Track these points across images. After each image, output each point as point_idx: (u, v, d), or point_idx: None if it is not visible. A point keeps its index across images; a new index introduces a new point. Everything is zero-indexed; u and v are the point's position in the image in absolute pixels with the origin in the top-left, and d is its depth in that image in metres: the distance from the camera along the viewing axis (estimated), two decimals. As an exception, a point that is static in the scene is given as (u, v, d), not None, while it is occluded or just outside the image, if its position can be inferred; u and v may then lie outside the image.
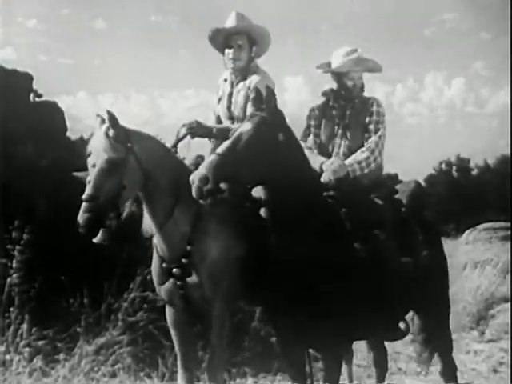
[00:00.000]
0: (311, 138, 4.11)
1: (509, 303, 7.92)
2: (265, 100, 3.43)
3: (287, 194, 3.40)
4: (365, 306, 3.52)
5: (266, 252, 3.53)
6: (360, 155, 3.90)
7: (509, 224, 11.84)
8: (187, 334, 3.95)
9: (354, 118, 4.02)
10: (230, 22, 4.15)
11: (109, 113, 3.58)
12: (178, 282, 3.75)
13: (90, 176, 3.57)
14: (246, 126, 3.37)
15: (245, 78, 4.16)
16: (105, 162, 3.54)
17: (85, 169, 3.76)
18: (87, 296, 5.31)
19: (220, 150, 3.29)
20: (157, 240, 3.81)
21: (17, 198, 6.18)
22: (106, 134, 3.59)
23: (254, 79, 4.11)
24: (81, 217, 3.51)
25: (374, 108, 4.01)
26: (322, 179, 3.78)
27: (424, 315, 4.22)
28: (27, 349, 4.86)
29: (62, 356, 4.92)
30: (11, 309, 5.19)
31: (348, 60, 3.99)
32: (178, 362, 3.94)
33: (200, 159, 3.97)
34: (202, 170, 3.22)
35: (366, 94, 4.10)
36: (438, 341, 4.25)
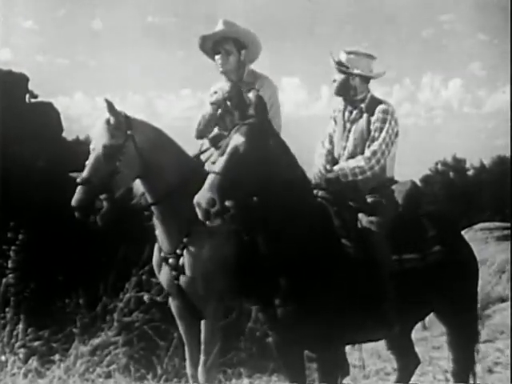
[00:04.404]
0: (327, 141, 4.11)
1: (504, 303, 7.94)
2: (254, 107, 3.40)
3: (278, 194, 3.38)
4: (353, 304, 3.50)
5: (257, 250, 3.52)
6: (354, 162, 3.87)
7: (504, 224, 11.87)
8: (191, 323, 4.02)
9: (359, 122, 3.96)
10: (216, 29, 4.24)
11: (107, 101, 3.76)
12: (173, 272, 3.86)
13: (88, 160, 3.76)
14: (239, 139, 3.32)
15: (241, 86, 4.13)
16: (102, 148, 3.73)
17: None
18: (83, 296, 5.31)
19: (218, 168, 3.23)
20: (158, 231, 3.93)
21: (12, 198, 6.16)
22: (106, 121, 3.77)
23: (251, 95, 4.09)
24: (74, 199, 3.68)
25: (380, 115, 3.91)
26: (313, 180, 3.83)
27: (444, 316, 4.12)
28: (22, 349, 4.85)
29: (57, 357, 4.90)
30: (7, 309, 5.18)
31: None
32: (186, 350, 4.10)
33: None
34: (207, 192, 3.15)
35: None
36: (458, 345, 4.10)
